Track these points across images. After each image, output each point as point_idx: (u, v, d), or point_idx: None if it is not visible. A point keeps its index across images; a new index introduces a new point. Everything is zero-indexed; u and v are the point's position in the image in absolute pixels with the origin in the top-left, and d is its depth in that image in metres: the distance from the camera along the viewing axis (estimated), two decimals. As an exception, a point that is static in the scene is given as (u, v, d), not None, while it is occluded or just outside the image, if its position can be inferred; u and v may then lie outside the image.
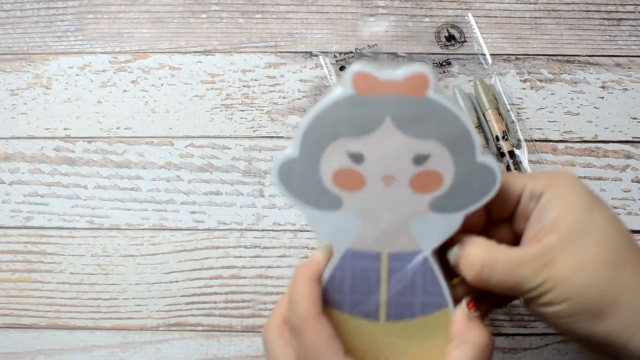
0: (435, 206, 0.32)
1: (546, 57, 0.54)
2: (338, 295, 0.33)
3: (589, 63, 0.54)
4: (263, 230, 0.50)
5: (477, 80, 0.52)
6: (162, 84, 0.54)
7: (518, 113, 0.53)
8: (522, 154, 0.51)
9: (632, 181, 0.51)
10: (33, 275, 0.50)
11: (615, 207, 0.50)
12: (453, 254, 0.33)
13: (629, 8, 0.55)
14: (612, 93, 0.53)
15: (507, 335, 0.48)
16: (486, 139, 0.51)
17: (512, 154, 0.50)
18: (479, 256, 0.31)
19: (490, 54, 0.54)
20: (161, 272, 0.50)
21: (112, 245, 0.50)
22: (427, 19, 0.56)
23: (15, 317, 0.49)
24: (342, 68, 0.54)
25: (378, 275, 0.33)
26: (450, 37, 0.55)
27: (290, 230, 0.50)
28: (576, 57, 0.54)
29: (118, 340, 0.48)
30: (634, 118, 0.52)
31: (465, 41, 0.55)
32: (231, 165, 0.52)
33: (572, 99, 0.53)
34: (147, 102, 0.54)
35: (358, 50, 0.54)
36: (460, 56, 0.54)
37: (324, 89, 0.54)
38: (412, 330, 0.33)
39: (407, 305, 0.33)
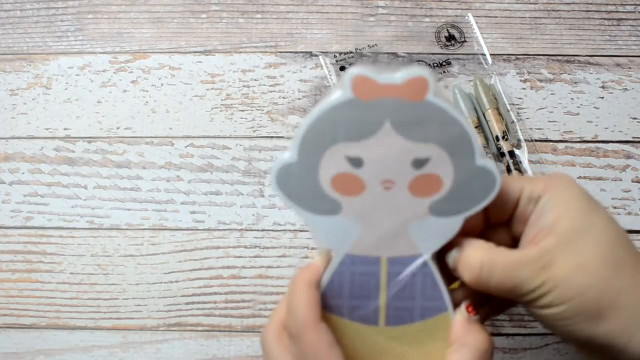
0: (435, 210, 0.32)
1: (546, 57, 0.54)
2: (337, 300, 0.33)
3: (589, 63, 0.54)
4: (263, 230, 0.50)
5: (477, 80, 0.52)
6: (162, 84, 0.54)
7: (518, 113, 0.53)
8: (522, 154, 0.51)
9: (632, 181, 0.51)
10: (33, 275, 0.50)
11: (615, 207, 0.50)
12: (452, 256, 0.33)
13: (629, 8, 0.55)
14: (612, 93, 0.53)
15: (507, 335, 0.48)
16: (486, 139, 0.51)
17: (512, 154, 0.50)
18: (478, 258, 0.31)
19: (490, 54, 0.54)
20: (161, 272, 0.50)
21: (112, 245, 0.50)
22: (427, 19, 0.55)
23: (15, 317, 0.49)
24: (342, 68, 0.54)
25: (377, 279, 0.33)
26: (450, 37, 0.55)
27: (290, 230, 0.50)
28: (576, 57, 0.54)
29: (118, 340, 0.48)
30: (634, 118, 0.52)
31: (465, 41, 0.55)
32: (231, 165, 0.52)
33: (572, 99, 0.53)
34: (147, 102, 0.54)
35: (358, 50, 0.54)
36: (460, 56, 0.54)
37: (324, 89, 0.54)
38: (411, 334, 0.33)
39: (407, 309, 0.33)
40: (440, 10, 0.56)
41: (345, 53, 0.54)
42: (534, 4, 0.56)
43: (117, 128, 0.53)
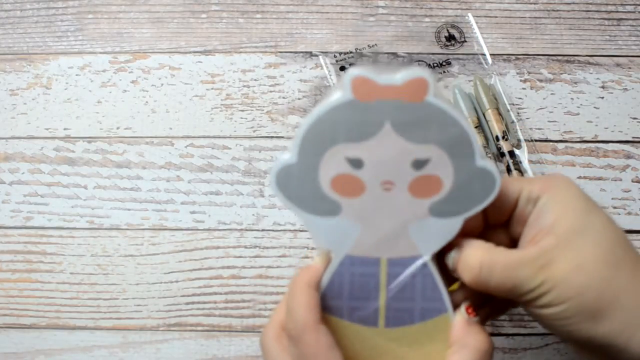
0: (435, 211, 0.32)
1: (546, 57, 0.54)
2: (337, 302, 0.33)
3: (589, 63, 0.54)
4: (263, 230, 0.50)
5: (477, 80, 0.52)
6: (162, 84, 0.54)
7: (518, 113, 0.53)
8: (522, 154, 0.51)
9: (632, 181, 0.51)
10: (33, 275, 0.50)
11: (615, 207, 0.50)
12: (451, 257, 0.33)
13: (629, 8, 0.55)
14: (612, 93, 0.53)
15: (507, 335, 0.48)
16: (486, 139, 0.51)
17: (512, 154, 0.50)
18: (478, 258, 0.31)
19: (490, 54, 0.54)
20: (161, 272, 0.50)
21: (112, 245, 0.50)
22: (427, 19, 0.55)
23: (15, 317, 0.49)
24: (342, 68, 0.54)
25: (377, 281, 0.33)
26: (450, 37, 0.55)
27: (290, 230, 0.50)
28: (576, 57, 0.54)
29: (118, 340, 0.48)
30: (634, 118, 0.52)
31: (465, 41, 0.55)
32: (231, 165, 0.52)
33: (572, 99, 0.53)
34: (147, 102, 0.54)
35: (358, 50, 0.54)
36: (460, 56, 0.54)
37: (324, 89, 0.54)
38: (411, 336, 0.33)
39: (407, 310, 0.33)
40: (440, 10, 0.56)
41: (345, 53, 0.54)
42: (534, 4, 0.56)
43: (117, 128, 0.53)
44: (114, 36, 0.56)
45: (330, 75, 0.54)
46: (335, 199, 0.31)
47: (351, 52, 0.54)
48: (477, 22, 0.55)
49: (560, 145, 0.52)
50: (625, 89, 0.53)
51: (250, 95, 0.54)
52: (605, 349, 0.30)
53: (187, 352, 0.48)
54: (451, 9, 0.56)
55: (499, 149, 0.51)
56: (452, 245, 0.33)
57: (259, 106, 0.53)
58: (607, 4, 0.55)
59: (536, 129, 0.52)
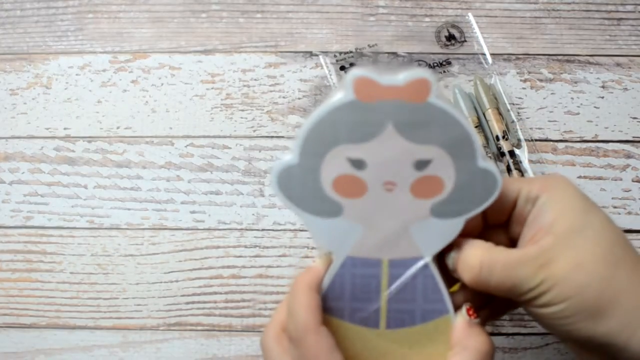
0: (436, 211, 0.32)
1: (546, 56, 0.54)
2: (338, 303, 0.33)
3: (589, 63, 0.54)
4: (263, 229, 0.50)
5: (477, 80, 0.52)
6: (162, 84, 0.54)
7: (518, 113, 0.53)
8: (522, 154, 0.51)
9: (633, 181, 0.51)
10: (33, 275, 0.50)
11: (615, 207, 0.50)
12: (451, 257, 0.33)
13: (629, 8, 0.55)
14: (612, 93, 0.53)
15: (507, 334, 0.48)
16: (486, 138, 0.51)
17: (512, 153, 0.50)
18: (478, 258, 0.31)
19: (491, 54, 0.54)
20: (161, 271, 0.50)
21: (112, 245, 0.50)
22: (427, 19, 0.55)
23: (15, 317, 0.49)
24: (342, 68, 0.54)
25: (378, 282, 0.32)
26: (451, 37, 0.55)
27: (290, 230, 0.50)
28: (576, 57, 0.54)
29: (118, 339, 0.48)
30: (634, 118, 0.52)
31: (466, 41, 0.55)
32: (231, 164, 0.52)
33: (572, 98, 0.53)
34: (147, 101, 0.54)
35: (358, 50, 0.54)
36: (461, 56, 0.54)
37: (324, 89, 0.54)
38: (412, 337, 0.33)
39: (408, 312, 0.33)
40: (441, 10, 0.56)
41: (345, 53, 0.54)
42: (534, 3, 0.56)
43: (117, 128, 0.53)
44: (114, 36, 0.56)
45: (331, 74, 0.54)
46: (336, 199, 0.31)
47: (351, 52, 0.54)
48: (477, 22, 0.55)
49: (561, 145, 0.52)
50: (626, 88, 0.53)
51: (250, 94, 0.54)
52: (605, 348, 0.30)
53: (187, 351, 0.48)
54: (451, 8, 0.56)
55: (499, 148, 0.51)
56: (451, 246, 0.33)
57: (259, 106, 0.53)
58: (607, 4, 0.55)
59: (536, 128, 0.52)
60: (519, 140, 0.51)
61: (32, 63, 0.55)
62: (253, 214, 0.51)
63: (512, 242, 0.34)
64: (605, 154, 0.52)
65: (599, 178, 0.51)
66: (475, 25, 0.55)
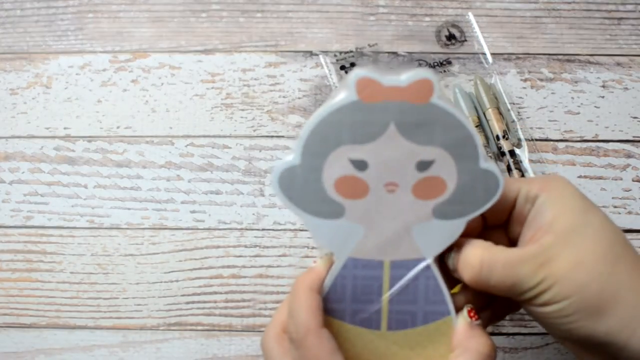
0: (438, 212, 0.32)
1: (547, 56, 0.54)
2: (339, 305, 0.33)
3: (590, 62, 0.54)
4: (263, 229, 0.50)
5: (477, 79, 0.52)
6: (162, 83, 0.54)
7: (518, 112, 0.53)
8: (523, 153, 0.51)
9: (633, 180, 0.51)
10: (33, 275, 0.50)
11: (615, 207, 0.50)
12: (451, 257, 0.33)
13: (629, 7, 0.55)
14: (612, 92, 0.53)
15: (508, 334, 0.48)
16: (487, 138, 0.51)
17: (512, 153, 0.50)
18: (478, 256, 0.31)
19: (491, 53, 0.54)
20: (161, 271, 0.50)
21: (112, 245, 0.50)
22: (427, 18, 0.55)
23: (16, 317, 0.49)
24: (342, 67, 0.54)
25: (380, 283, 0.32)
26: (451, 37, 0.55)
27: (290, 230, 0.50)
28: (577, 57, 0.54)
29: (118, 339, 0.48)
30: (635, 117, 0.52)
31: (466, 40, 0.55)
32: (231, 164, 0.52)
33: (572, 98, 0.53)
34: (147, 101, 0.54)
35: (358, 50, 0.54)
36: (461, 55, 0.54)
37: (324, 88, 0.54)
38: (413, 339, 0.33)
39: (409, 313, 0.33)
40: (441, 10, 0.56)
41: (345, 52, 0.54)
42: (535, 3, 0.56)
43: (117, 127, 0.53)
44: (114, 35, 0.56)
45: (331, 74, 0.54)
46: (338, 200, 0.31)
47: (351, 52, 0.54)
48: (477, 21, 0.55)
49: (561, 145, 0.52)
50: (626, 88, 0.53)
51: (250, 94, 0.54)
52: (605, 347, 0.30)
53: (187, 351, 0.48)
54: (452, 8, 0.56)
55: (499, 148, 0.51)
56: (452, 246, 0.33)
57: (259, 105, 0.53)
58: (607, 3, 0.55)
59: (537, 128, 0.52)
60: (519, 139, 0.51)
61: (32, 62, 0.55)
62: (253, 214, 0.51)
63: (512, 243, 0.35)
64: (606, 153, 0.52)
65: (600, 178, 0.51)
66: (475, 25, 0.55)
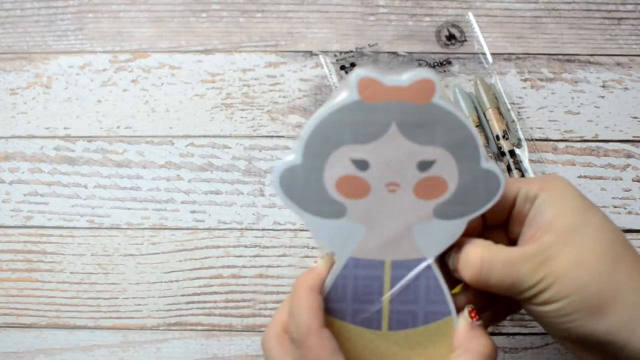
0: (439, 212, 0.32)
1: (547, 56, 0.54)
2: (340, 304, 0.33)
3: (590, 62, 0.54)
4: (263, 229, 0.50)
5: (477, 79, 0.52)
6: (162, 83, 0.54)
7: (518, 112, 0.53)
8: (523, 153, 0.51)
9: (633, 180, 0.51)
10: (33, 275, 0.50)
11: (615, 207, 0.50)
12: (451, 257, 0.33)
13: (629, 7, 0.55)
14: (612, 92, 0.53)
15: (508, 334, 0.48)
16: (487, 138, 0.51)
17: (512, 153, 0.50)
18: (478, 255, 0.31)
19: (491, 53, 0.54)
20: (161, 271, 0.50)
21: (112, 245, 0.50)
22: (427, 18, 0.55)
23: (16, 317, 0.49)
24: (342, 67, 0.54)
25: (381, 283, 0.32)
26: (451, 36, 0.55)
27: (290, 230, 0.50)
28: (577, 57, 0.54)
29: (118, 339, 0.48)
30: (635, 117, 0.52)
31: (466, 40, 0.55)
32: (231, 164, 0.52)
33: (572, 98, 0.53)
34: (147, 101, 0.54)
35: (358, 50, 0.54)
36: (461, 55, 0.54)
37: (324, 89, 0.54)
38: (414, 339, 0.33)
39: (410, 313, 0.33)
40: (441, 10, 0.56)
41: (345, 52, 0.54)
42: (535, 3, 0.56)
43: (117, 127, 0.53)
44: (114, 35, 0.56)
45: (331, 74, 0.54)
46: (339, 200, 0.31)
47: (351, 52, 0.54)
48: (477, 21, 0.55)
49: (561, 145, 0.52)
50: (626, 88, 0.53)
51: (250, 94, 0.54)
52: (605, 346, 0.30)
53: (187, 351, 0.48)
54: (452, 8, 0.56)
55: (499, 148, 0.51)
56: (452, 246, 0.33)
57: (259, 105, 0.53)
58: (607, 3, 0.55)
59: (537, 128, 0.52)
60: (519, 139, 0.51)
61: (32, 62, 0.55)
62: (253, 214, 0.51)
63: (511, 242, 0.35)
64: (606, 153, 0.52)
65: (600, 178, 0.51)
66: (475, 25, 0.55)
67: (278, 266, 0.49)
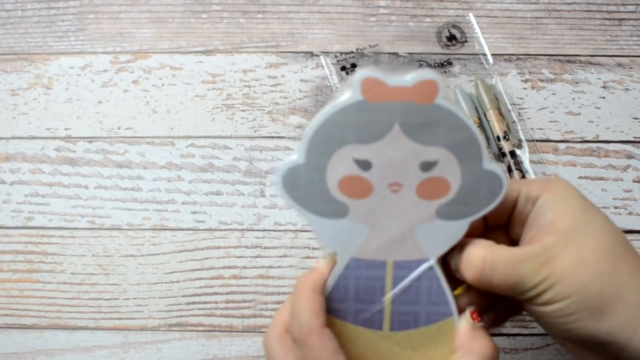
0: (442, 213, 0.32)
1: (547, 57, 0.54)
2: (342, 305, 0.33)
3: (590, 63, 0.54)
4: (264, 230, 0.50)
5: (478, 80, 0.52)
6: (163, 84, 0.54)
7: (519, 113, 0.53)
8: (524, 154, 0.51)
9: (634, 181, 0.51)
10: (34, 276, 0.50)
11: (616, 207, 0.50)
12: (453, 257, 0.33)
13: (630, 8, 0.55)
14: (613, 93, 0.53)
15: (508, 335, 0.48)
16: (487, 139, 0.51)
17: (513, 154, 0.50)
18: (480, 255, 0.31)
19: (492, 54, 0.54)
20: (162, 272, 0.50)
21: (113, 246, 0.50)
22: (428, 19, 0.55)
23: (17, 318, 0.49)
24: (343, 68, 0.54)
25: (383, 284, 0.32)
26: (452, 37, 0.55)
27: (291, 230, 0.50)
28: (577, 57, 0.54)
29: (119, 340, 0.48)
30: (635, 118, 0.52)
31: (467, 41, 0.55)
32: (232, 165, 0.52)
33: (573, 99, 0.53)
34: (148, 102, 0.54)
35: (359, 50, 0.54)
36: (462, 56, 0.54)
37: (325, 89, 0.54)
38: (416, 339, 0.33)
39: (412, 314, 0.33)
40: (442, 10, 0.56)
41: (346, 53, 0.54)
42: (535, 3, 0.56)
43: (118, 128, 0.53)
44: (115, 36, 0.56)
45: (332, 75, 0.54)
46: (342, 200, 0.31)
47: (352, 52, 0.54)
48: (478, 22, 0.55)
49: (562, 145, 0.52)
50: (627, 89, 0.53)
51: (251, 95, 0.54)
52: (606, 347, 0.30)
53: (188, 352, 0.48)
54: (452, 8, 0.56)
55: (500, 149, 0.51)
56: (454, 247, 0.33)
57: (260, 106, 0.53)
58: (608, 4, 0.55)
59: (537, 129, 0.52)
60: (520, 140, 0.51)
61: (33, 63, 0.55)
62: (254, 215, 0.51)
63: (513, 243, 0.35)
64: (607, 154, 0.52)
65: (600, 178, 0.51)
66: (476, 26, 0.55)
67: (279, 267, 0.49)
